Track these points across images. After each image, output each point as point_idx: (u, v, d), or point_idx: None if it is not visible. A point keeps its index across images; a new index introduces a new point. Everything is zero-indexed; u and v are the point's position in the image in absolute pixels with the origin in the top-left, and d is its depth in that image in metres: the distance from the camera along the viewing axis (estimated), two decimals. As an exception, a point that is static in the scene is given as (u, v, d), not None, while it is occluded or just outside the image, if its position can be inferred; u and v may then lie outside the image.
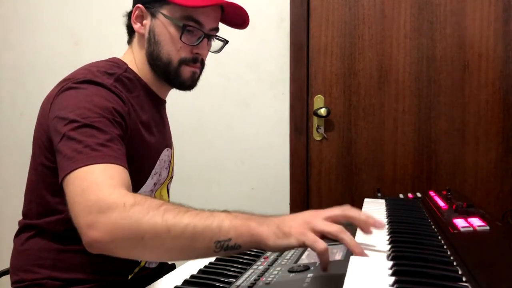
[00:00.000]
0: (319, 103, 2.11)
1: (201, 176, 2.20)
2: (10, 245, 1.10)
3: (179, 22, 1.06)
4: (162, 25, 1.08)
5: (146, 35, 1.10)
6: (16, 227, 1.10)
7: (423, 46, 2.03)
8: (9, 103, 2.37)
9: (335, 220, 0.78)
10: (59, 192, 0.97)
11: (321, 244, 0.73)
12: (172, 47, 1.08)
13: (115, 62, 1.10)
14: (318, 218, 0.77)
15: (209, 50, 1.15)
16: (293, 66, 2.11)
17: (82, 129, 0.89)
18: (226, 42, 1.17)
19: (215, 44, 1.17)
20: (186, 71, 1.11)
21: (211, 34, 1.13)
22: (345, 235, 0.75)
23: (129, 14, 1.14)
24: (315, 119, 2.12)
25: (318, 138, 2.13)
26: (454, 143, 2.03)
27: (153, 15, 1.09)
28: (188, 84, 1.13)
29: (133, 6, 1.13)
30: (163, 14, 1.07)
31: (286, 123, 2.13)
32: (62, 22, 2.30)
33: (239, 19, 1.16)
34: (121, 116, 0.97)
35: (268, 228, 0.76)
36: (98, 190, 0.80)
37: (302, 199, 2.12)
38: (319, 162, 2.13)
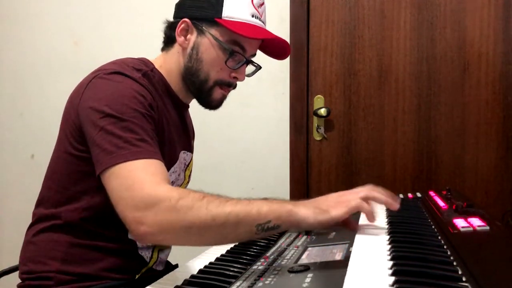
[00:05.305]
0: (319, 103, 2.11)
1: (201, 176, 2.17)
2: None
3: (228, 47, 1.08)
4: (210, 45, 1.09)
5: (188, 50, 1.11)
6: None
7: (423, 46, 2.03)
8: (9, 103, 2.37)
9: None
10: (81, 180, 1.01)
11: (365, 204, 0.91)
12: (214, 68, 1.10)
13: (143, 61, 1.11)
14: (349, 195, 0.93)
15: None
16: (293, 66, 2.11)
17: (120, 123, 0.92)
18: (259, 68, 1.19)
19: (248, 68, 1.18)
20: (218, 92, 1.13)
21: (250, 60, 1.15)
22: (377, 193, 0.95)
23: (171, 24, 1.14)
24: (315, 119, 2.12)
25: (318, 138, 2.13)
26: (454, 143, 2.03)
27: (201, 32, 1.09)
28: (214, 105, 1.15)
29: (177, 17, 1.13)
30: (212, 35, 1.08)
31: (286, 123, 2.13)
32: (62, 22, 2.30)
33: (279, 51, 1.19)
34: (152, 109, 1.00)
35: (305, 208, 0.88)
36: (144, 186, 0.84)
37: (302, 199, 2.12)
38: (319, 162, 2.13)
